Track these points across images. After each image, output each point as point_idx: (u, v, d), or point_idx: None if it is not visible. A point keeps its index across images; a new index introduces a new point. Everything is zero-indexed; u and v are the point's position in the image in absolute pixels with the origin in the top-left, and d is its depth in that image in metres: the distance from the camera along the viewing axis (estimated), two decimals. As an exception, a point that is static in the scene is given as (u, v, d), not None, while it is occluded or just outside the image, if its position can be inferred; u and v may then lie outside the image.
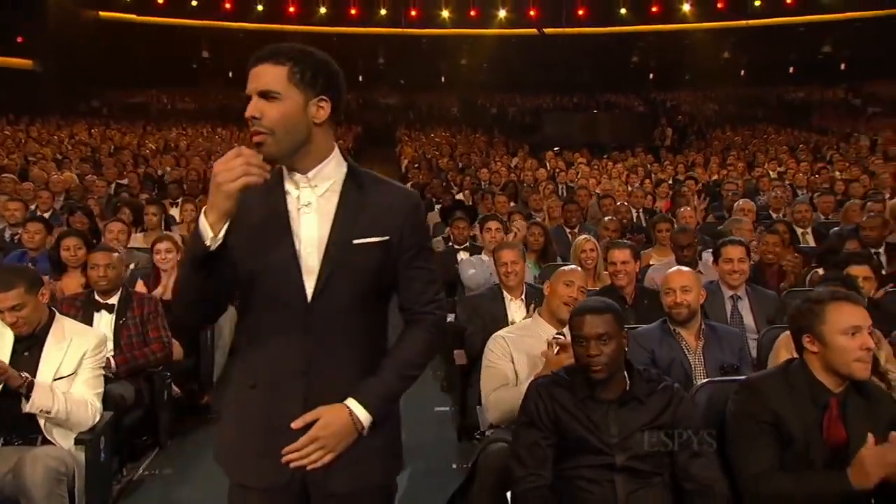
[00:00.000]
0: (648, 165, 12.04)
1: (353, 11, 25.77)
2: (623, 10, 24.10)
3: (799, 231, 5.58)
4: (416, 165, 12.70)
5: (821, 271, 4.48)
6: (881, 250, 4.78)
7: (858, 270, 3.56)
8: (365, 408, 1.59)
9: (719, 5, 23.54)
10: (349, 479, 1.62)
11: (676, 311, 2.90)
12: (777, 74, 24.28)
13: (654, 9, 23.92)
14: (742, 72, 24.39)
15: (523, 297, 3.83)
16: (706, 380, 2.48)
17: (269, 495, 1.63)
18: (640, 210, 7.26)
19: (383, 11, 25.92)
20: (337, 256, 1.59)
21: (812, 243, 5.73)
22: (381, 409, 1.62)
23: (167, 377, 3.87)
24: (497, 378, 2.91)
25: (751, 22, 23.22)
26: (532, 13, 24.66)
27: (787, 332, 2.99)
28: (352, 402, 1.59)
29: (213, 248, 1.46)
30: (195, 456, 3.94)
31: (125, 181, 9.50)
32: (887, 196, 7.16)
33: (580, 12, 24.47)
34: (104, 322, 3.76)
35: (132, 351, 3.69)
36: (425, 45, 26.96)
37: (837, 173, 10.22)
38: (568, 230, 6.02)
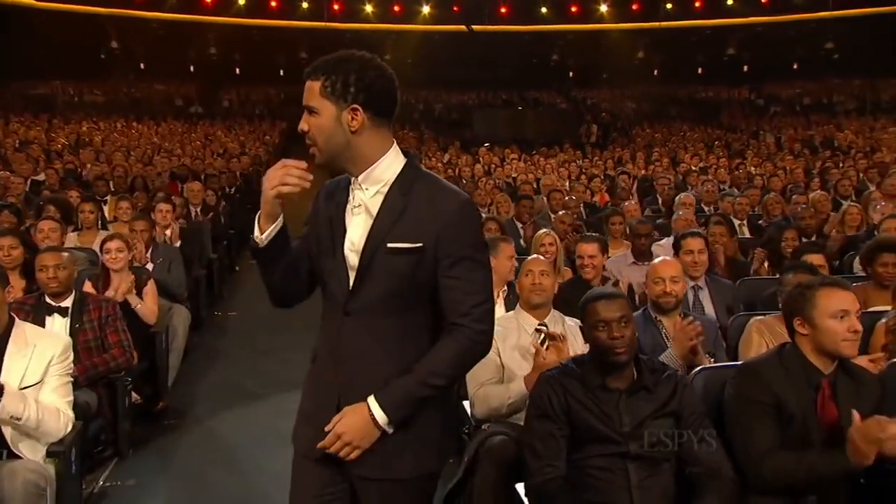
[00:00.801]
0: (579, 161, 12.37)
1: (273, 4, 24.99)
2: (544, 10, 24.57)
3: (736, 223, 5.88)
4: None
5: (762, 253, 4.77)
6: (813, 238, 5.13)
7: (814, 258, 3.83)
8: (381, 409, 1.65)
9: (634, 7, 24.36)
10: (379, 468, 1.69)
11: (665, 300, 3.01)
12: (687, 74, 25.49)
13: (573, 9, 24.51)
14: (655, 71, 25.39)
15: (503, 295, 3.82)
16: (703, 366, 2.58)
17: (318, 465, 1.73)
18: (582, 204, 7.46)
19: (305, 5, 25.29)
20: (370, 257, 1.67)
21: (748, 234, 6.06)
22: (398, 412, 1.66)
23: (128, 383, 3.68)
24: (485, 372, 2.92)
25: (663, 24, 24.17)
26: (455, 10, 24.77)
27: (757, 318, 3.18)
28: (371, 402, 1.66)
29: (262, 245, 1.73)
30: (158, 466, 3.78)
31: (41, 178, 8.95)
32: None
33: (502, 10, 24.75)
34: (57, 326, 3.55)
35: (91, 357, 3.49)
36: (349, 40, 26.42)
37: (752, 169, 10.84)
38: (520, 225, 6.12)
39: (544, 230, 4.61)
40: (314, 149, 1.69)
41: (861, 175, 9.03)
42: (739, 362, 2.46)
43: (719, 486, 2.17)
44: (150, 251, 5.21)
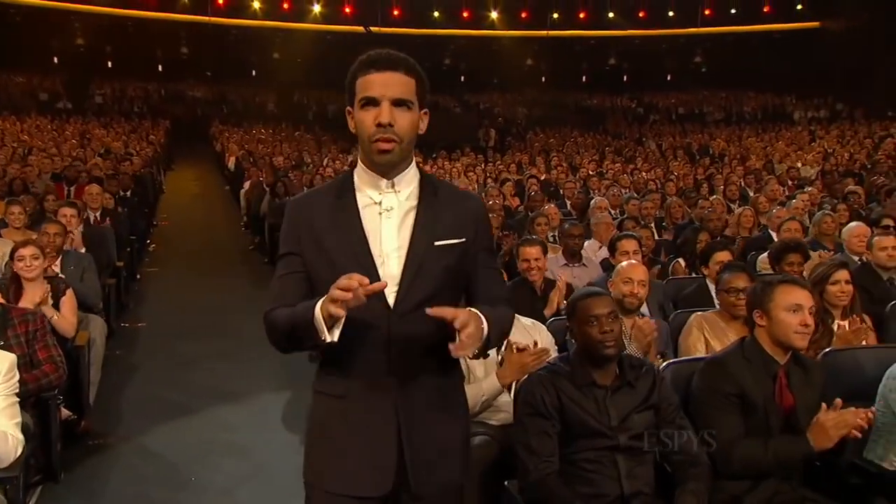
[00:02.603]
0: (482, 165, 12.64)
1: (150, -6, 23.68)
2: (436, 13, 24.90)
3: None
4: (252, 163, 12.14)
5: (681, 261, 5.12)
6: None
7: (723, 255, 4.17)
8: (487, 323, 1.58)
9: (523, 15, 25.23)
10: (436, 480, 1.68)
11: (630, 300, 3.19)
12: (572, 82, 26.69)
13: (464, 14, 24.99)
14: (543, 78, 26.38)
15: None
16: (671, 360, 2.76)
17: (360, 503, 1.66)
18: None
19: (186, -2, 24.20)
20: (419, 260, 1.64)
21: (656, 236, 6.45)
22: (490, 332, 1.59)
23: (59, 401, 3.42)
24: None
25: (550, 32, 25.20)
26: (348, 10, 24.57)
27: (698, 314, 3.43)
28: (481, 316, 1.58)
29: (334, 339, 1.53)
30: (93, 489, 3.56)
31: None
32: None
33: (395, 13, 24.86)
34: (-22, 345, 3.23)
35: (21, 375, 3.20)
36: (234, 37, 25.64)
37: (644, 174, 11.53)
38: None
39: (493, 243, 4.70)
40: (396, 146, 1.61)
41: (741, 181, 9.84)
42: (708, 355, 2.64)
43: (699, 473, 2.34)
44: (59, 259, 4.85)
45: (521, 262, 4.10)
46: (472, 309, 1.58)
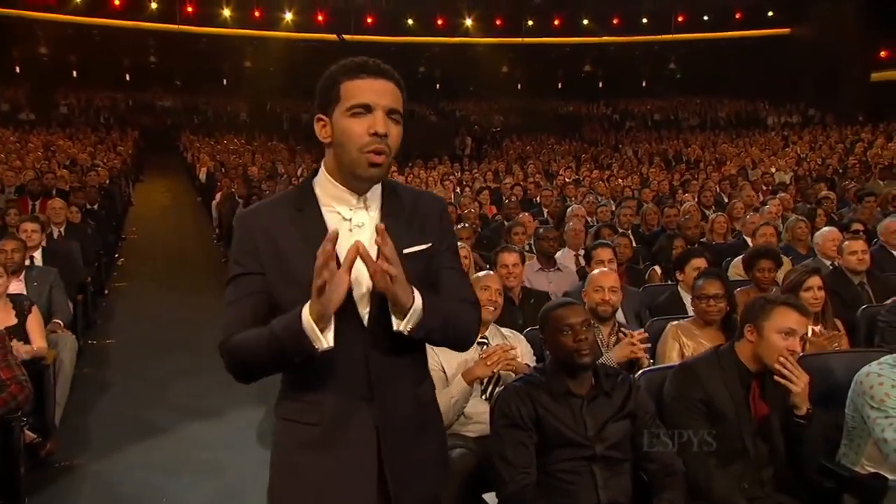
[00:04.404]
0: (457, 173, 12.62)
1: (116, 2, 23.28)
2: (410, 21, 24.92)
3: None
4: (224, 174, 11.99)
5: (657, 268, 5.12)
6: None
7: (698, 262, 4.17)
8: (422, 298, 1.49)
9: (498, 22, 25.35)
10: (415, 493, 1.61)
11: (603, 307, 3.17)
12: (548, 89, 26.84)
13: (439, 21, 25.05)
14: (519, 85, 26.51)
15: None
16: (646, 368, 2.74)
17: None
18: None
19: (154, 5, 23.83)
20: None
21: (633, 243, 6.46)
22: (425, 313, 1.49)
23: (24, 422, 3.31)
24: (430, 386, 2.93)
25: (525, 39, 25.36)
26: (320, 18, 24.48)
27: (674, 323, 3.42)
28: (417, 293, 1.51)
29: (328, 346, 1.45)
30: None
31: None
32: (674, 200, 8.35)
33: (369, 20, 24.84)
34: (-63, 368, 3.12)
35: (-16, 399, 3.10)
36: (205, 45, 25.41)
37: (620, 181, 11.58)
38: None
39: (458, 243, 4.66)
40: (385, 157, 1.52)
41: (717, 187, 9.93)
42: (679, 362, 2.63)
43: (675, 482, 2.33)
44: (23, 274, 4.72)
45: (499, 268, 4.06)
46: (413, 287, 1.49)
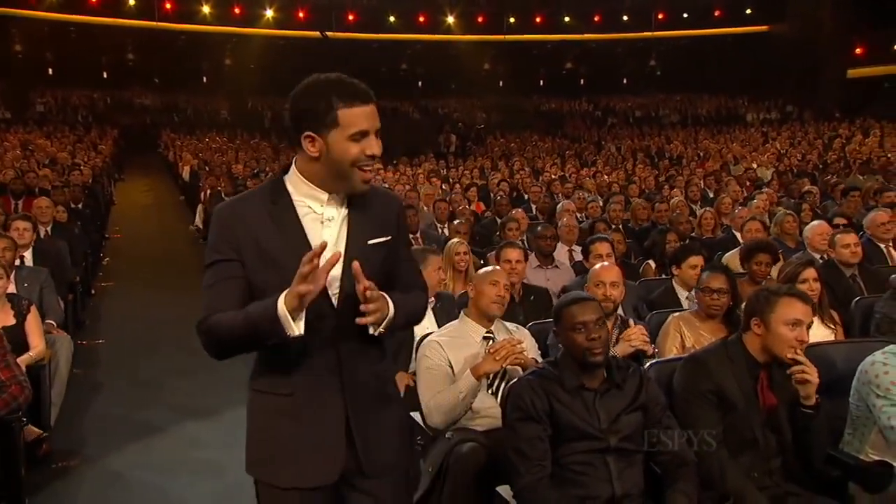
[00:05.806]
0: (443, 171, 12.62)
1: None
2: (392, 18, 24.81)
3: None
4: (209, 172, 11.88)
5: (652, 262, 5.17)
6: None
7: (696, 260, 4.21)
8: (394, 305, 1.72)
9: (479, 19, 25.34)
10: (383, 458, 1.79)
11: (605, 304, 3.17)
12: (530, 86, 26.91)
13: (420, 18, 24.97)
14: (501, 82, 26.54)
15: (430, 306, 3.80)
16: (654, 360, 2.77)
17: (306, 495, 1.74)
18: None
19: (132, 2, 23.43)
20: (356, 258, 1.69)
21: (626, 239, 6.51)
22: (395, 318, 1.72)
23: (24, 422, 3.26)
24: (438, 382, 2.93)
25: (507, 37, 25.38)
26: (301, 15, 24.28)
27: (673, 316, 3.46)
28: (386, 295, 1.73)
29: (301, 332, 1.61)
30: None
31: None
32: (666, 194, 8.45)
33: (350, 17, 24.68)
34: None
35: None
36: (183, 42, 25.10)
37: (606, 177, 11.66)
38: (410, 235, 6.15)
39: (457, 240, 4.67)
40: (370, 171, 1.72)
41: (701, 182, 10.02)
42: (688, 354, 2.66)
43: (687, 472, 2.36)
44: (12, 275, 4.65)
45: (502, 263, 4.07)
46: (385, 294, 1.70)
